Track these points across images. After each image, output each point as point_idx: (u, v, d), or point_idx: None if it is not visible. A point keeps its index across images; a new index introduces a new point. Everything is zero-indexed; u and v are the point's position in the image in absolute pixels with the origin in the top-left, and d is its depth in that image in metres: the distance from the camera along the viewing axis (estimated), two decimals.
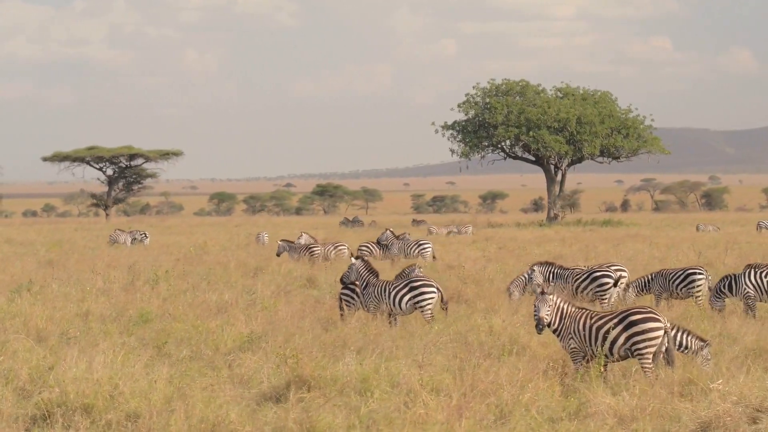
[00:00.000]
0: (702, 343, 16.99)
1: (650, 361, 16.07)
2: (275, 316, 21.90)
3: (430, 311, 22.25)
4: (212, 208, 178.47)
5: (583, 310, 16.63)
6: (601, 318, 16.41)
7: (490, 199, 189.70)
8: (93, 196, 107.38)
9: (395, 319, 22.55)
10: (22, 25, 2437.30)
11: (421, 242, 42.98)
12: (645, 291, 25.35)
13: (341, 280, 23.41)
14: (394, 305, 22.41)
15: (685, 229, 71.69)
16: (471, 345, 18.50)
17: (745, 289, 23.28)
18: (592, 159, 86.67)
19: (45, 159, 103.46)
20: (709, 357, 16.85)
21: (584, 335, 16.34)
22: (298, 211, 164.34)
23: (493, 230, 74.14)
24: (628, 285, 25.56)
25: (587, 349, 16.31)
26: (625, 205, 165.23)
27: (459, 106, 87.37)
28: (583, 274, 25.19)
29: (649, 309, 16.49)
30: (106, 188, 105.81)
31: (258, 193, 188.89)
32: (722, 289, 23.55)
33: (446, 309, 22.58)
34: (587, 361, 16.30)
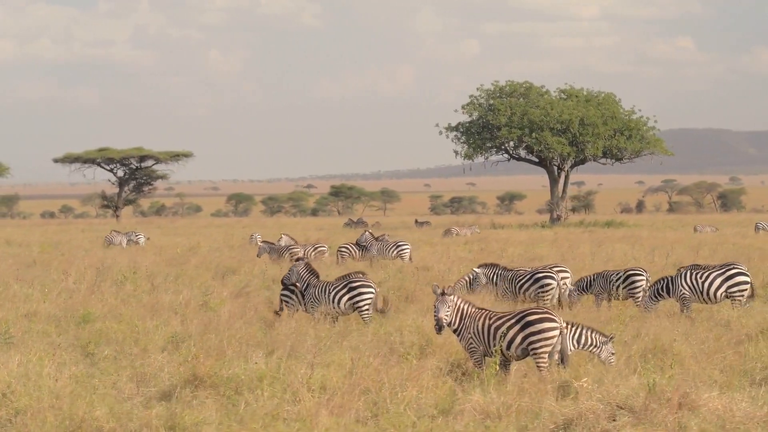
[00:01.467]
0: (605, 338, 17.50)
1: (545, 360, 16.54)
2: (215, 316, 22.44)
3: (367, 311, 22.75)
4: (229, 209, 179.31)
5: (483, 311, 17.12)
6: (499, 318, 16.89)
7: (508, 200, 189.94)
8: (103, 197, 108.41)
9: (335, 319, 23.08)
10: (47, 26, 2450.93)
11: (400, 243, 43.50)
12: (587, 291, 25.82)
13: (282, 281, 23.97)
14: (333, 305, 22.95)
15: (684, 231, 71.86)
16: (393, 344, 18.98)
17: (680, 290, 23.83)
18: (594, 160, 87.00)
19: (56, 160, 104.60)
20: (613, 351, 17.36)
21: (483, 335, 16.82)
22: (315, 213, 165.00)
23: (494, 231, 74.59)
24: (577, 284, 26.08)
25: (486, 348, 16.80)
26: (640, 206, 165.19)
27: (463, 107, 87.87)
28: (525, 276, 25.64)
29: (545, 309, 16.99)
30: (117, 189, 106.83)
31: (276, 194, 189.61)
32: (659, 291, 24.08)
33: (385, 311, 23.01)
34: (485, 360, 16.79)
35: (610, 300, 25.62)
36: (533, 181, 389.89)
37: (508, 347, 16.66)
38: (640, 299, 24.88)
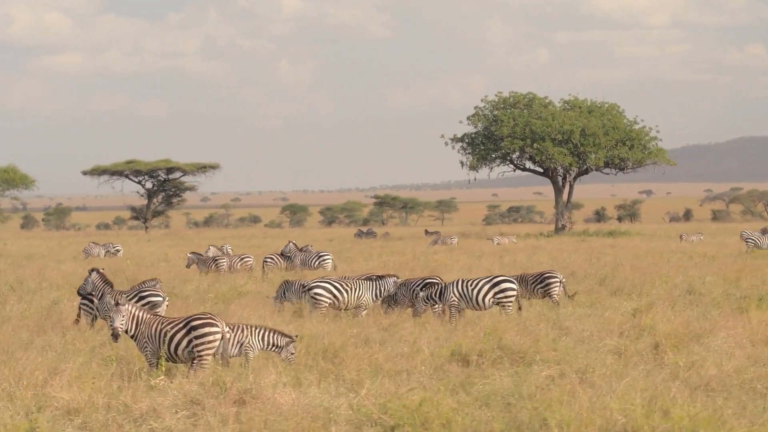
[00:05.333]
0: (288, 339, 19.19)
1: (207, 361, 18.26)
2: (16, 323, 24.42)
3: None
4: (282, 219, 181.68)
5: (157, 317, 18.86)
6: (169, 323, 18.63)
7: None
8: (132, 209, 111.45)
9: None
10: (117, 39, 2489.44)
11: (322, 254, 45.24)
12: None
13: (78, 291, 25.92)
14: None
15: (672, 240, 72.45)
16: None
17: (451, 297, 25.50)
18: (597, 170, 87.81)
19: (84, 173, 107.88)
20: (293, 351, 19.08)
21: (156, 339, 18.55)
22: (366, 222, 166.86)
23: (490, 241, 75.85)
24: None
25: (159, 351, 18.53)
26: (687, 215, 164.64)
27: (468, 118, 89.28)
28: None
29: (210, 315, 18.69)
30: (155, 201, 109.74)
31: (332, 205, 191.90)
32: (432, 296, 25.76)
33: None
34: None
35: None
36: (603, 191, 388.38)
37: (176, 350, 18.38)
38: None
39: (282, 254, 45.55)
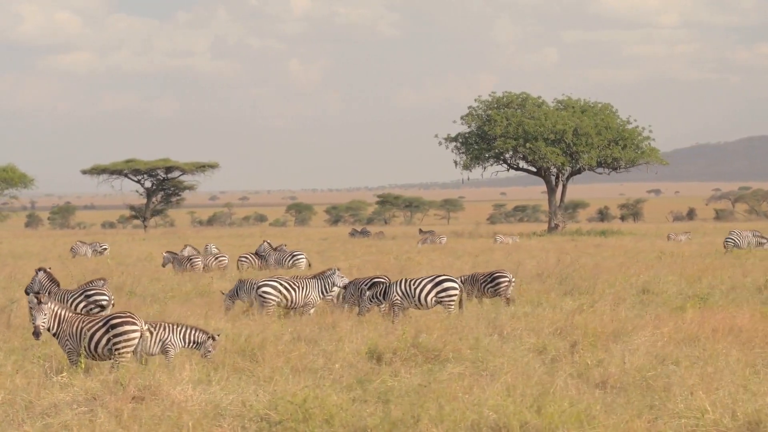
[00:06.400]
0: (206, 336, 19.62)
1: (126, 359, 18.67)
2: None
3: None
4: (287, 218, 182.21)
5: (79, 315, 19.27)
6: (90, 322, 19.03)
7: (572, 208, 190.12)
8: (132, 208, 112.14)
9: None
10: (127, 38, 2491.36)
11: (295, 253, 45.69)
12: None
13: (26, 290, 26.38)
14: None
15: (660, 240, 72.64)
16: None
17: (394, 295, 25.88)
18: (590, 170, 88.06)
19: (84, 172, 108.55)
20: (211, 349, 19.50)
21: (77, 337, 18.96)
22: (370, 221, 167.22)
23: (484, 240, 76.27)
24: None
25: (80, 349, 18.94)
26: (691, 215, 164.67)
27: (462, 118, 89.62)
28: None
29: (129, 314, 19.10)
30: (155, 200, 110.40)
31: (338, 204, 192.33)
32: (377, 295, 26.14)
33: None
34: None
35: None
36: (611, 190, 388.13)
37: (96, 348, 18.80)
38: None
39: (256, 253, 45.99)
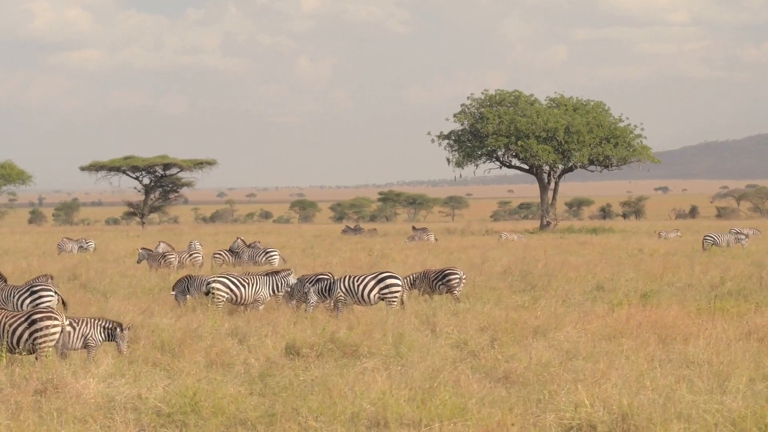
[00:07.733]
0: (120, 328, 20.05)
1: (45, 354, 19.08)
2: None
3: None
4: (290, 215, 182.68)
5: (4, 311, 19.69)
6: (13, 317, 19.44)
7: (576, 205, 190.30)
8: (129, 204, 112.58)
9: None
10: (137, 35, 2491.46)
11: (268, 250, 46.11)
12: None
13: None
14: (16, 307, 25.71)
15: (650, 237, 72.85)
16: None
17: (337, 292, 26.31)
18: (582, 168, 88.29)
19: (82, 168, 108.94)
20: (120, 341, 19.94)
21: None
22: (373, 219, 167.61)
23: (474, 238, 76.67)
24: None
25: (1, 343, 19.33)
26: (693, 212, 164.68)
27: (455, 116, 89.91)
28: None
29: (50, 309, 19.52)
30: (153, 197, 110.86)
31: (342, 201, 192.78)
32: (322, 291, 26.59)
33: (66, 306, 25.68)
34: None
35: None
36: (619, 187, 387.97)
37: (18, 342, 19.21)
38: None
39: (230, 250, 46.40)
